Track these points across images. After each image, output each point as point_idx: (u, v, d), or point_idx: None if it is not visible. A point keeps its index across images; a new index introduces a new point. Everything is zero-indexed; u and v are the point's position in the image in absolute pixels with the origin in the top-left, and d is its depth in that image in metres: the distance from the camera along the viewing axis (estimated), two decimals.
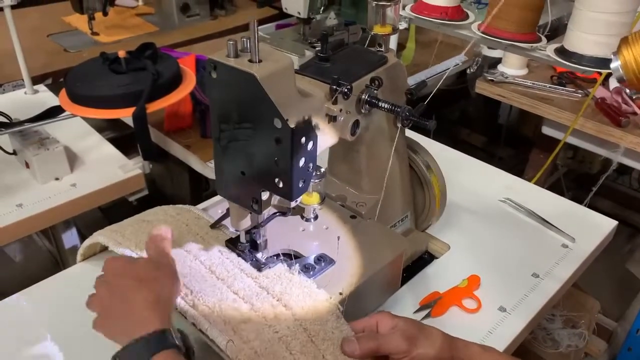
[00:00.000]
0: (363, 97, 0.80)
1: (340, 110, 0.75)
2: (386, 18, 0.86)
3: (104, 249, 0.93)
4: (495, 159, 2.47)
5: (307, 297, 0.73)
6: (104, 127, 1.55)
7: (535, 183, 1.53)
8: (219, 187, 0.75)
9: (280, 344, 0.67)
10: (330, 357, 0.66)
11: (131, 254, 0.81)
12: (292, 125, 0.63)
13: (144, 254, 0.73)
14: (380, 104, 0.80)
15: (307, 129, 0.65)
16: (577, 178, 2.28)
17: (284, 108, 0.63)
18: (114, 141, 1.39)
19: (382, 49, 0.88)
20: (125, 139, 1.52)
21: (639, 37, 0.64)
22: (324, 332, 0.69)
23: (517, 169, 2.15)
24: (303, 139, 0.65)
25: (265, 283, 0.75)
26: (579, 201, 1.24)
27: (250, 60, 0.63)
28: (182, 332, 0.64)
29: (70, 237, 1.45)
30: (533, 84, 1.73)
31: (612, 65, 0.66)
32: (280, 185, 0.67)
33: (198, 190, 1.58)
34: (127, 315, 0.63)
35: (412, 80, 1.77)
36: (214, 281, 0.76)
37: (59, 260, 1.57)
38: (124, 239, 0.85)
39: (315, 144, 0.68)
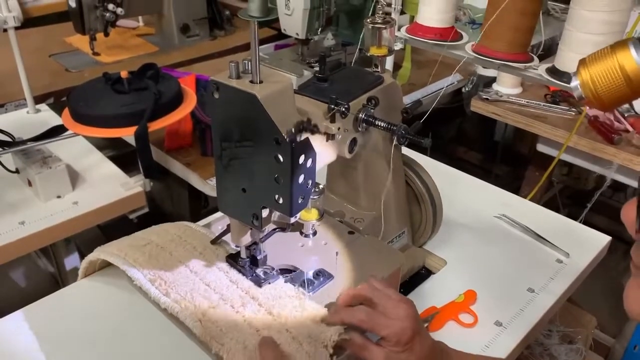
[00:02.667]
0: (360, 115, 0.82)
1: (338, 128, 0.77)
2: (382, 40, 0.89)
3: (104, 266, 0.94)
4: (492, 176, 2.50)
5: (273, 289, 0.79)
6: (105, 146, 1.57)
7: (531, 200, 1.55)
8: (220, 203, 0.76)
9: (245, 324, 0.74)
10: (294, 330, 0.72)
11: (139, 275, 0.83)
12: (289, 131, 0.65)
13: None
14: (376, 122, 0.83)
15: (307, 146, 0.67)
16: (573, 195, 2.30)
17: (283, 127, 0.65)
18: (114, 159, 1.41)
19: (379, 70, 0.91)
20: (125, 157, 1.54)
21: (594, 58, 0.68)
22: (287, 311, 0.75)
23: (513, 186, 2.17)
24: (302, 157, 0.67)
25: (236, 277, 0.81)
26: (575, 217, 1.25)
27: (251, 81, 0.65)
28: None
29: (70, 256, 1.46)
30: (527, 102, 1.76)
31: (572, 84, 0.69)
32: (280, 201, 0.69)
33: (197, 207, 1.60)
34: None
35: (408, 99, 1.80)
36: (187, 273, 0.82)
37: (58, 280, 1.58)
38: (126, 257, 0.87)
39: (314, 161, 0.70)
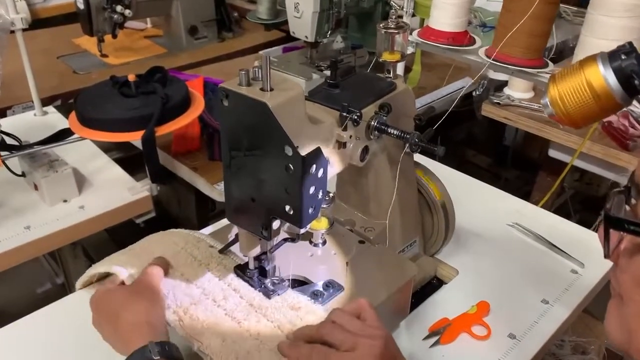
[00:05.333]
0: (372, 123, 0.80)
1: (350, 136, 0.75)
2: (395, 45, 0.87)
3: (102, 277, 0.93)
4: (502, 181, 2.47)
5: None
6: (111, 148, 1.56)
7: (542, 206, 1.52)
8: (228, 213, 0.75)
9: (226, 317, 0.74)
10: (274, 319, 0.73)
11: (123, 271, 0.82)
12: (302, 153, 0.63)
13: (132, 270, 0.81)
14: (389, 130, 0.81)
15: (318, 156, 0.65)
16: (584, 200, 2.27)
17: (294, 136, 0.63)
18: (121, 161, 1.40)
19: (391, 75, 0.89)
20: (132, 159, 1.53)
21: (563, 74, 0.65)
22: (268, 302, 0.76)
23: (524, 190, 2.15)
24: (313, 167, 0.65)
25: (218, 272, 0.82)
26: (587, 223, 1.23)
27: (261, 89, 0.63)
28: (170, 344, 0.68)
29: (77, 260, 1.44)
30: (539, 107, 1.73)
31: (542, 101, 0.67)
32: (290, 212, 0.67)
33: (204, 211, 1.58)
34: (116, 339, 0.71)
35: (418, 103, 1.78)
36: (169, 270, 0.82)
37: (65, 284, 1.57)
38: (111, 260, 0.87)
39: (325, 171, 0.68)
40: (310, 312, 0.74)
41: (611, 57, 0.61)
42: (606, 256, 0.56)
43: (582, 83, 0.62)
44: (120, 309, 0.71)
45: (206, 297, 0.77)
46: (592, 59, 0.63)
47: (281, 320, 0.73)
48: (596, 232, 1.14)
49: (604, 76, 0.61)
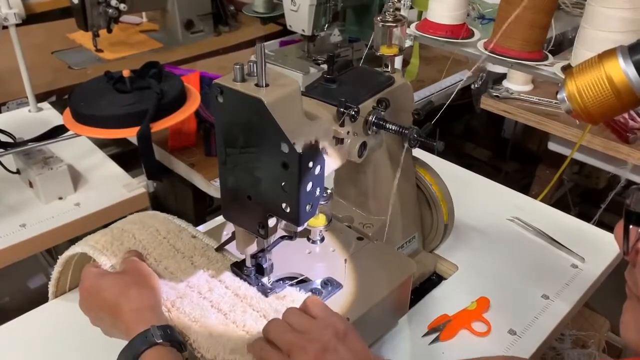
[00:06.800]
0: (370, 118, 0.79)
1: (348, 132, 0.74)
2: (393, 38, 0.86)
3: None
4: (501, 174, 2.46)
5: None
6: (107, 143, 1.55)
7: (542, 199, 1.51)
8: (224, 210, 0.74)
9: (212, 309, 0.73)
10: (258, 308, 0.73)
11: (106, 261, 0.79)
12: (299, 150, 0.62)
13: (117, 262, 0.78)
14: (387, 125, 0.79)
15: (315, 153, 0.64)
16: (584, 193, 2.27)
17: (291, 132, 0.62)
18: (117, 157, 1.39)
19: (389, 70, 0.88)
20: (128, 155, 1.52)
21: (581, 68, 0.63)
22: (252, 292, 0.76)
23: (523, 183, 2.14)
24: (310, 164, 0.64)
25: (199, 261, 0.81)
26: (586, 216, 1.22)
27: (257, 85, 0.62)
28: (171, 327, 0.68)
29: None
30: (539, 99, 1.72)
31: (559, 96, 0.65)
32: (287, 210, 0.66)
33: (202, 206, 1.57)
34: (117, 326, 0.70)
35: (416, 96, 1.77)
36: (152, 263, 0.80)
37: None
38: (98, 245, 0.83)
39: (322, 168, 0.67)
40: (295, 301, 0.74)
41: (631, 50, 0.60)
42: (624, 254, 0.54)
43: (602, 78, 0.60)
44: (119, 297, 0.69)
45: (191, 289, 0.76)
46: (611, 52, 0.61)
47: (267, 310, 0.72)
48: (597, 225, 1.15)
49: (624, 71, 0.59)
